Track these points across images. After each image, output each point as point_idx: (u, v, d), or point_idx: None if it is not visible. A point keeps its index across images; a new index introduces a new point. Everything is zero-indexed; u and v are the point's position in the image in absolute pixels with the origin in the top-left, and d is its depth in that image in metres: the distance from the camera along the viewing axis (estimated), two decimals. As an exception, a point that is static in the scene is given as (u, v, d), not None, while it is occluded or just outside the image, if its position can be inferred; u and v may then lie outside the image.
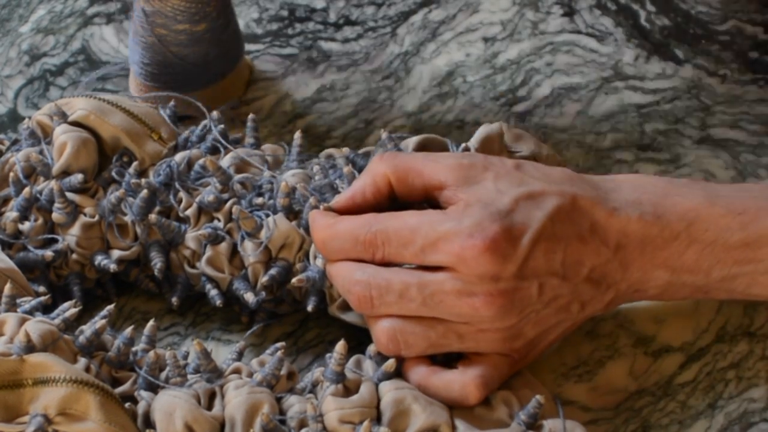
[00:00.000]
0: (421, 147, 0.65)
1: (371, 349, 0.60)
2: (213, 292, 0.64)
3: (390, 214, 0.59)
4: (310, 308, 0.63)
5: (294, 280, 0.62)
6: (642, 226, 0.59)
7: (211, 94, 0.76)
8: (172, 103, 0.71)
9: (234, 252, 0.64)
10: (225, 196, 0.65)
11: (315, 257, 0.63)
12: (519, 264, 0.56)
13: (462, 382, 0.58)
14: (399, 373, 0.59)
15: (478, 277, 0.56)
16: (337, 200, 0.61)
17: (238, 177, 0.65)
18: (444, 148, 0.65)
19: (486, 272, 0.56)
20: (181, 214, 0.65)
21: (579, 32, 0.83)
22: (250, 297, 0.63)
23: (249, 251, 0.63)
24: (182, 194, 0.65)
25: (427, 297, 0.57)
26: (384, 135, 0.66)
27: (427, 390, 0.58)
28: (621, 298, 0.61)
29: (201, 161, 0.66)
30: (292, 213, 0.64)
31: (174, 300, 0.66)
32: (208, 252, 0.64)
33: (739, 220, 0.59)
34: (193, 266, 0.65)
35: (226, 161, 0.66)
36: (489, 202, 0.57)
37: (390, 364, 0.58)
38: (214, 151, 0.68)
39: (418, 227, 0.57)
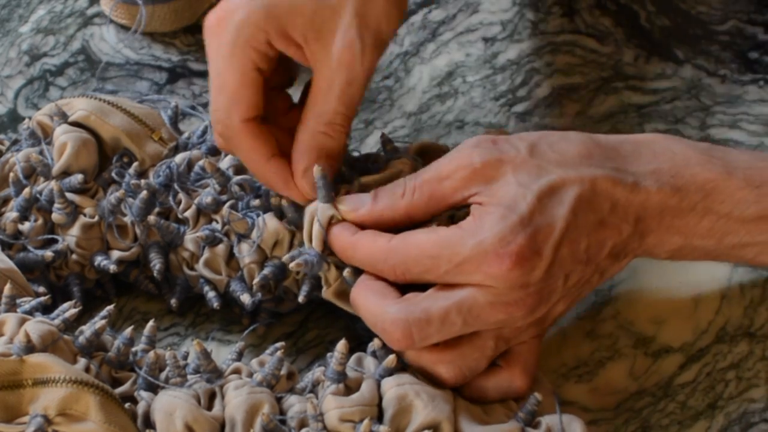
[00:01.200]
0: (420, 152, 0.65)
1: (376, 343, 0.59)
2: (210, 294, 0.64)
3: (405, 242, 0.58)
4: (301, 299, 0.63)
5: (292, 264, 0.61)
6: (661, 197, 0.59)
7: (182, 5, 0.80)
8: (173, 104, 0.71)
9: (231, 254, 0.64)
10: (223, 197, 0.65)
11: (310, 241, 0.62)
12: (546, 268, 0.57)
13: (510, 381, 0.59)
14: (401, 369, 0.59)
15: (508, 287, 0.56)
16: (357, 211, 0.60)
17: (236, 179, 0.65)
18: (442, 155, 0.64)
19: (515, 283, 0.56)
20: (180, 216, 0.65)
21: (579, 32, 0.83)
22: (246, 299, 0.63)
23: (244, 252, 0.63)
24: (181, 195, 0.65)
25: (467, 315, 0.57)
26: (382, 137, 0.66)
27: (478, 393, 0.59)
28: (635, 258, 0.62)
29: (201, 162, 0.66)
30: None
31: (173, 302, 0.66)
32: (206, 254, 0.64)
33: (756, 194, 0.60)
34: (191, 268, 0.65)
35: (225, 163, 0.66)
36: (511, 204, 0.57)
37: (391, 359, 0.58)
38: (214, 152, 0.68)
39: (438, 254, 0.57)
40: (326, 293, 0.62)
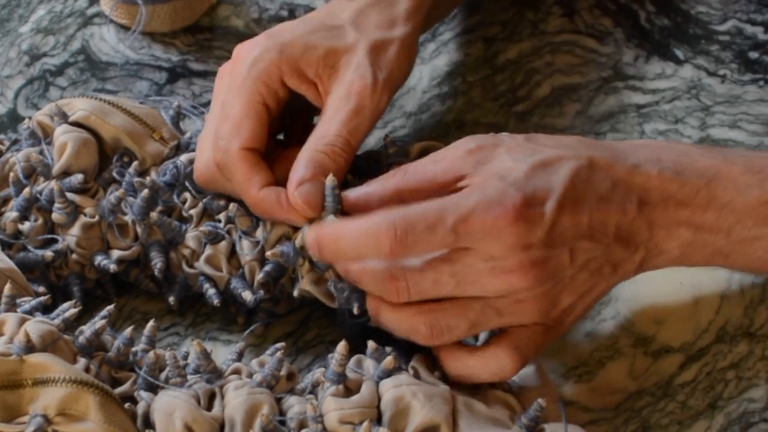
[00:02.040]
0: (422, 154, 0.65)
1: (371, 346, 0.59)
2: (210, 291, 0.64)
3: (407, 205, 0.57)
4: (296, 293, 0.63)
5: (268, 253, 0.62)
6: (662, 181, 0.59)
7: (182, 5, 0.81)
8: (175, 103, 0.71)
9: (233, 252, 0.64)
10: (236, 202, 0.65)
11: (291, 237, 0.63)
12: (547, 229, 0.56)
13: (496, 356, 0.58)
14: (399, 369, 0.59)
15: (509, 249, 0.55)
16: (347, 198, 0.60)
17: None
18: None
19: (516, 242, 0.55)
20: (185, 214, 0.65)
21: (579, 32, 0.83)
22: (248, 295, 0.63)
23: (246, 250, 0.63)
24: (188, 194, 0.65)
25: (461, 280, 0.56)
26: (386, 139, 0.66)
27: (463, 369, 0.58)
28: (650, 261, 0.61)
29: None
30: None
31: (171, 299, 0.66)
32: (208, 251, 0.64)
33: (758, 178, 0.60)
34: (191, 266, 0.65)
35: None
36: (505, 173, 0.57)
37: (389, 361, 0.58)
38: None
39: (444, 207, 0.55)
40: (303, 285, 0.62)
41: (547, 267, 0.56)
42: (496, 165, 0.57)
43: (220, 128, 0.62)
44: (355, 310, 0.61)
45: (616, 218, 0.58)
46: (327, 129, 0.61)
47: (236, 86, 0.63)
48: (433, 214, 0.55)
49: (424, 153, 0.65)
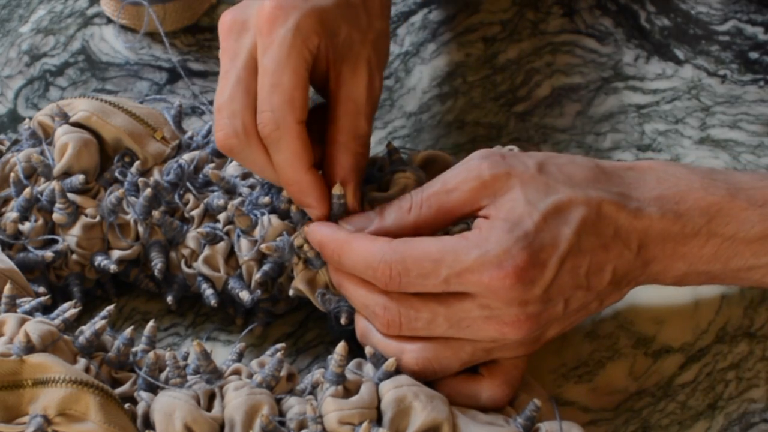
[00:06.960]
0: (426, 163, 0.65)
1: (368, 351, 0.59)
2: (208, 292, 0.64)
3: (408, 243, 0.57)
4: (291, 292, 0.63)
5: (262, 246, 0.62)
6: (664, 224, 0.59)
7: (182, 5, 0.81)
8: (177, 103, 0.71)
9: (231, 253, 0.64)
10: (236, 202, 0.65)
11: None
12: (546, 287, 0.56)
13: (490, 390, 0.59)
14: (400, 372, 0.59)
15: (506, 303, 0.56)
16: (365, 231, 0.60)
17: (244, 182, 0.65)
18: (448, 166, 0.62)
19: (514, 298, 0.56)
20: (186, 215, 0.65)
21: (579, 32, 0.83)
22: (245, 295, 0.63)
23: (244, 250, 0.63)
24: (190, 195, 0.65)
25: (455, 324, 0.57)
26: (389, 146, 0.66)
27: (458, 397, 0.59)
28: (639, 286, 0.62)
29: (205, 171, 0.66)
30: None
31: (170, 299, 0.66)
32: (206, 251, 0.64)
33: (760, 213, 0.60)
34: (190, 266, 0.65)
35: (230, 170, 0.66)
36: (516, 220, 0.57)
37: (390, 363, 0.58)
38: (219, 153, 0.68)
39: (441, 258, 0.56)
40: (295, 283, 0.62)
41: (540, 319, 0.57)
42: (509, 204, 0.57)
43: (269, 98, 0.59)
44: (343, 321, 0.62)
45: (613, 264, 0.58)
46: (357, 129, 0.61)
47: (282, 54, 0.59)
48: (429, 264, 0.56)
49: (427, 162, 0.65)
